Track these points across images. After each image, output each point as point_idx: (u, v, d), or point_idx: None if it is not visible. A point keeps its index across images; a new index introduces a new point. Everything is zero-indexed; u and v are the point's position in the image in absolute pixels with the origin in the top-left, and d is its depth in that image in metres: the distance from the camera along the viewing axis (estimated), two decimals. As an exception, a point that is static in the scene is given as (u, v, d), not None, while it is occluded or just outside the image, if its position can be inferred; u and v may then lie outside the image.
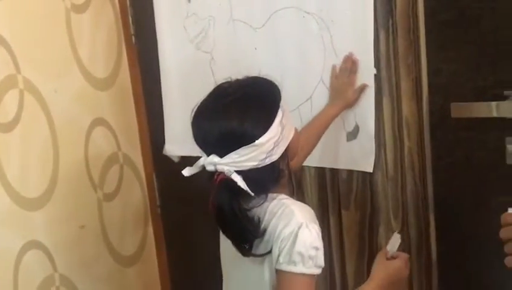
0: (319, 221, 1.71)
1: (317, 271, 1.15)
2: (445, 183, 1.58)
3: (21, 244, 1.65)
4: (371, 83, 1.60)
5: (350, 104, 1.61)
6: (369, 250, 1.71)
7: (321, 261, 1.15)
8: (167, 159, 2.07)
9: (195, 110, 1.20)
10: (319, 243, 1.15)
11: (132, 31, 2.02)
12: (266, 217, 1.17)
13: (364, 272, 1.74)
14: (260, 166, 1.15)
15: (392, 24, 1.54)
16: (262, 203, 1.17)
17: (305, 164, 1.76)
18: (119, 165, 2.05)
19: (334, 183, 1.73)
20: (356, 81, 1.61)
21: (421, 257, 1.64)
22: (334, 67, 1.63)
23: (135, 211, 2.13)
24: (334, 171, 1.73)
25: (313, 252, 1.13)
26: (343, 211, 1.73)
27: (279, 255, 1.14)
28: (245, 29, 1.78)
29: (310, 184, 1.78)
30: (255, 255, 1.17)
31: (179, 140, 1.98)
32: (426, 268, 1.65)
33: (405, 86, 1.56)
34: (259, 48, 1.77)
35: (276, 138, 1.16)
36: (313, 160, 1.75)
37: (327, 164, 1.73)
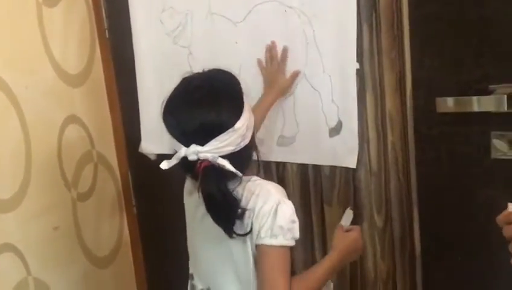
0: (301, 217, 1.74)
1: (293, 243, 1.24)
2: (429, 178, 1.57)
3: (-7, 248, 1.59)
4: (353, 78, 1.59)
5: (284, 92, 1.68)
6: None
7: (297, 233, 1.24)
8: (142, 157, 2.03)
9: (165, 103, 1.24)
10: (295, 217, 1.25)
11: (106, 25, 1.96)
12: (244, 197, 1.24)
13: (347, 269, 1.73)
14: (237, 150, 1.22)
15: (376, 18, 1.53)
16: (238, 185, 1.23)
17: (287, 160, 1.75)
18: (94, 164, 1.99)
19: (316, 180, 1.72)
20: (285, 69, 1.66)
21: (404, 251, 1.64)
22: (259, 60, 1.70)
23: (110, 210, 2.07)
24: (317, 168, 1.71)
25: (291, 225, 1.23)
26: (326, 207, 1.72)
27: (259, 231, 1.22)
28: (225, 23, 1.75)
29: (293, 180, 1.76)
30: (239, 235, 1.23)
31: (155, 137, 1.94)
32: (410, 263, 1.65)
33: (388, 80, 1.56)
34: (240, 42, 1.74)
35: (248, 121, 1.23)
36: (296, 156, 1.73)
37: (310, 160, 1.72)
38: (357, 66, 1.58)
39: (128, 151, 2.08)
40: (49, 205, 1.79)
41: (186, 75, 1.28)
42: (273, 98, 1.67)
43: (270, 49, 1.67)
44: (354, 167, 1.64)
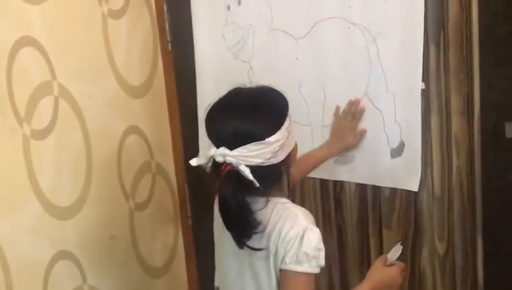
0: (358, 240, 1.70)
1: (318, 270, 1.24)
2: (495, 205, 1.51)
3: (52, 254, 1.61)
4: (418, 98, 1.54)
5: (349, 148, 1.68)
6: (411, 272, 1.64)
7: (322, 261, 1.24)
8: (200, 169, 2.02)
9: (210, 107, 1.30)
10: (322, 245, 1.24)
11: (168, 38, 1.98)
12: (271, 220, 1.25)
13: (405, 295, 1.68)
14: (265, 164, 1.23)
15: (444, 38, 1.49)
16: (265, 206, 1.24)
17: (346, 179, 1.72)
18: (152, 174, 2.01)
19: (375, 201, 1.68)
20: (358, 126, 1.65)
21: (466, 281, 1.58)
22: (337, 108, 1.68)
23: (166, 221, 2.09)
24: (376, 189, 1.68)
25: (317, 253, 1.22)
26: (384, 231, 1.68)
27: (284, 256, 1.23)
28: (286, 39, 1.73)
29: (350, 201, 1.72)
30: (250, 248, 1.23)
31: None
32: (472, 293, 1.58)
33: (455, 102, 1.51)
34: (301, 58, 1.72)
35: (283, 141, 1.24)
36: (354, 176, 1.70)
37: (369, 181, 1.68)
38: (423, 86, 1.54)
39: (186, 163, 2.09)
40: (107, 213, 1.82)
41: (239, 85, 1.33)
42: (336, 152, 1.67)
43: (352, 104, 1.65)
44: (416, 190, 1.59)
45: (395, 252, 1.43)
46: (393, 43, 1.55)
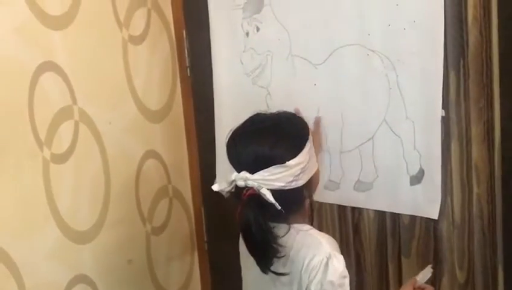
0: (376, 267, 1.68)
1: None
2: (516, 235, 1.49)
3: (69, 278, 1.62)
4: (438, 125, 1.53)
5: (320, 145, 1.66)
6: (430, 302, 1.62)
7: (348, 288, 1.23)
8: (216, 194, 2.02)
9: (231, 132, 1.32)
10: (346, 272, 1.24)
11: (187, 63, 2.00)
12: (294, 247, 1.25)
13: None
14: (286, 188, 1.23)
15: (464, 66, 1.48)
16: (288, 233, 1.24)
17: (364, 206, 1.70)
18: (169, 199, 2.01)
19: (394, 228, 1.66)
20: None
21: (487, 311, 1.55)
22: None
23: (182, 246, 2.08)
24: (395, 216, 1.65)
25: (342, 281, 1.22)
26: (403, 259, 1.65)
27: (309, 284, 1.22)
28: (304, 65, 1.73)
29: (369, 228, 1.71)
30: (273, 273, 1.23)
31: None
32: (493, 324, 1.55)
33: (476, 130, 1.49)
34: (319, 85, 1.72)
35: (304, 164, 1.25)
36: (373, 203, 1.68)
37: (388, 208, 1.66)
38: (443, 113, 1.52)
39: (203, 188, 2.09)
40: (124, 238, 1.82)
41: (260, 111, 1.36)
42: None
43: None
44: (436, 217, 1.57)
45: (425, 274, 1.44)
46: (413, 70, 1.55)
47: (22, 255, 1.46)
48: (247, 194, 1.21)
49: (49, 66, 1.55)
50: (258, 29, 1.81)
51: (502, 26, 1.43)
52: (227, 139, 1.31)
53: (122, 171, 1.81)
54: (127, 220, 1.84)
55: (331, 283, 1.20)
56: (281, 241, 1.23)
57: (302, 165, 1.24)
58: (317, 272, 1.21)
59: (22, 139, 1.48)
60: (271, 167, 1.21)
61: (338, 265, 1.22)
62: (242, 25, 1.83)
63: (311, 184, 1.30)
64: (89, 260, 1.69)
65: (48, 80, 1.55)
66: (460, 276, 1.57)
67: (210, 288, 2.16)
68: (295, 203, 1.28)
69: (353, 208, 1.74)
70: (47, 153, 1.54)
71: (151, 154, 1.92)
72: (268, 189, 1.21)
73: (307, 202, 1.31)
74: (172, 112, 2.00)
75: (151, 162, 1.93)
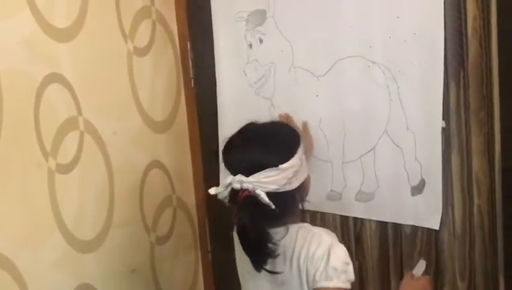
0: (378, 277, 1.69)
1: (349, 286, 1.27)
2: (517, 245, 1.49)
3: (73, 287, 1.63)
4: (438, 136, 1.55)
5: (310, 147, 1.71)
6: (432, 312, 1.62)
7: (352, 275, 1.28)
8: (220, 203, 2.02)
9: (227, 139, 1.39)
10: (349, 259, 1.29)
11: (192, 75, 2.01)
12: (298, 244, 1.31)
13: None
14: (280, 191, 1.28)
15: (464, 77, 1.49)
16: (287, 233, 1.31)
17: (366, 217, 1.71)
18: (173, 209, 2.02)
19: (396, 239, 1.67)
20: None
21: (488, 323, 1.55)
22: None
23: (186, 255, 2.09)
24: (397, 226, 1.66)
25: (345, 267, 1.27)
26: (405, 269, 1.65)
27: (315, 275, 1.27)
28: (307, 77, 1.75)
29: (371, 238, 1.72)
30: (268, 271, 1.28)
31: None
32: (494, 336, 1.55)
33: (476, 141, 1.50)
34: (321, 96, 1.74)
35: (296, 168, 1.30)
36: (375, 213, 1.69)
37: (389, 219, 1.67)
38: (443, 124, 1.54)
39: (206, 198, 2.10)
40: (128, 247, 1.83)
41: (253, 120, 1.42)
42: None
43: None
44: (437, 228, 1.58)
45: (420, 267, 1.49)
46: (414, 81, 1.56)
47: (27, 264, 1.48)
48: (242, 195, 1.26)
49: (55, 77, 1.57)
50: (261, 41, 1.83)
51: (502, 38, 1.44)
52: (224, 146, 1.38)
53: (127, 181, 1.82)
54: (131, 230, 1.85)
55: (334, 269, 1.25)
56: (278, 241, 1.28)
57: (294, 169, 1.29)
58: (321, 262, 1.26)
59: (28, 149, 1.50)
60: (265, 170, 1.27)
61: (340, 252, 1.27)
62: (245, 37, 1.85)
63: (303, 188, 1.35)
64: (93, 269, 1.70)
65: (54, 91, 1.57)
66: (462, 286, 1.58)
67: (214, 298, 2.17)
68: (288, 205, 1.32)
69: (355, 219, 1.75)
70: (52, 163, 1.56)
71: (155, 164, 1.94)
72: (263, 191, 1.26)
73: (300, 206, 1.38)
74: (176, 123, 2.02)
75: (155, 172, 1.94)
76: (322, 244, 1.28)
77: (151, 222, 1.92)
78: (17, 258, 1.45)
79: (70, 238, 1.61)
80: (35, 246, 1.52)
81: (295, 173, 1.30)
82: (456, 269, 1.57)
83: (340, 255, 1.27)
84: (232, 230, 1.98)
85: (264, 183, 1.26)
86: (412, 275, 1.47)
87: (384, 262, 1.70)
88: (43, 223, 1.55)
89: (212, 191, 1.34)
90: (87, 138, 1.68)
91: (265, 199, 1.25)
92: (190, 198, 2.10)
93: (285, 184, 1.28)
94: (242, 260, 1.38)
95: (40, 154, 1.52)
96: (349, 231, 1.75)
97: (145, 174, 1.90)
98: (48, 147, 1.54)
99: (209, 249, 2.14)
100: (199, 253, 2.14)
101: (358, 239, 1.73)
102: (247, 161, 1.30)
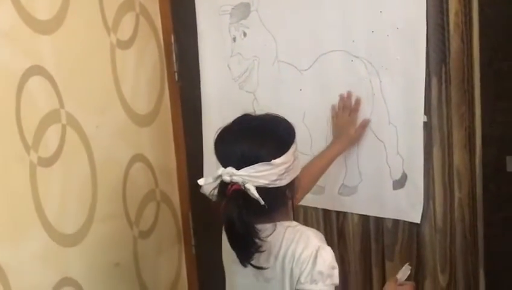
0: (360, 271, 1.70)
1: (333, 289, 1.26)
2: (497, 239, 1.51)
3: (55, 281, 1.62)
4: (420, 130, 1.56)
5: (353, 142, 1.67)
6: (413, 305, 1.64)
7: (337, 279, 1.27)
8: (204, 198, 2.02)
9: (220, 130, 1.34)
10: (335, 263, 1.27)
11: (175, 68, 2.01)
12: (284, 243, 1.28)
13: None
14: (270, 186, 1.25)
15: (446, 72, 1.51)
16: (274, 230, 1.28)
17: (348, 210, 1.72)
18: (156, 203, 2.02)
19: (378, 233, 1.68)
20: (357, 120, 1.64)
21: (469, 315, 1.57)
22: (333, 106, 1.69)
23: (169, 249, 2.09)
24: (379, 220, 1.68)
25: (331, 271, 1.25)
26: (387, 262, 1.67)
27: (300, 276, 1.25)
28: (290, 71, 1.76)
29: (353, 232, 1.73)
30: (254, 267, 1.27)
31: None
32: (474, 328, 1.57)
33: (457, 135, 1.52)
34: (305, 90, 1.74)
35: (288, 164, 1.27)
36: (357, 207, 1.71)
37: (371, 212, 1.69)
38: (425, 118, 1.55)
39: (190, 192, 2.10)
40: (111, 241, 1.83)
41: (248, 112, 1.38)
42: (341, 149, 1.66)
43: (344, 98, 1.67)
44: (418, 221, 1.60)
45: (404, 272, 1.48)
46: (396, 76, 1.57)
47: (9, 258, 1.46)
48: (232, 189, 1.24)
49: (36, 70, 1.56)
50: (245, 34, 1.83)
51: (483, 33, 1.46)
52: (215, 136, 1.34)
53: (110, 175, 1.82)
54: (114, 224, 1.84)
55: (320, 273, 1.23)
56: (265, 238, 1.26)
57: (286, 165, 1.27)
58: (307, 264, 1.24)
59: (9, 142, 1.48)
60: (257, 164, 1.24)
61: (327, 256, 1.25)
62: (229, 30, 1.85)
63: (293, 186, 1.33)
64: (76, 263, 1.69)
65: (35, 84, 1.55)
66: (443, 279, 1.59)
67: (197, 292, 2.17)
68: (278, 202, 1.30)
69: (338, 212, 1.76)
70: (34, 157, 1.55)
71: (138, 158, 1.93)
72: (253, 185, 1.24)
73: (290, 203, 1.34)
74: (160, 116, 2.02)
75: (138, 166, 1.94)
76: (308, 246, 1.26)
77: (135, 216, 1.92)
78: (-1, 251, 1.44)
79: (52, 232, 1.60)
80: (16, 239, 1.50)
81: (287, 170, 1.27)
82: (437, 262, 1.59)
83: (327, 259, 1.25)
84: (216, 224, 2.00)
85: (254, 177, 1.24)
86: (396, 280, 1.47)
87: (366, 256, 1.71)
88: (24, 216, 1.53)
89: (201, 181, 1.30)
90: (70, 131, 1.66)
91: (255, 194, 1.22)
92: (174, 192, 2.10)
93: (276, 180, 1.26)
94: (228, 252, 1.38)
95: (21, 148, 1.51)
96: (332, 224, 1.76)
97: (128, 168, 1.89)
98: (30, 140, 1.53)
99: (192, 243, 2.14)
100: (183, 247, 2.14)
101: (341, 233, 1.74)
102: (239, 153, 1.26)
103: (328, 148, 1.67)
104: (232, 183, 1.24)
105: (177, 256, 2.12)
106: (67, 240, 1.66)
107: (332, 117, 1.70)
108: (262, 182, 1.24)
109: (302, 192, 1.41)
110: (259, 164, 1.24)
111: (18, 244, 1.51)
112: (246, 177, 1.23)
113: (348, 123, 1.65)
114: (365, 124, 1.65)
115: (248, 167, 1.24)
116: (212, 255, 2.10)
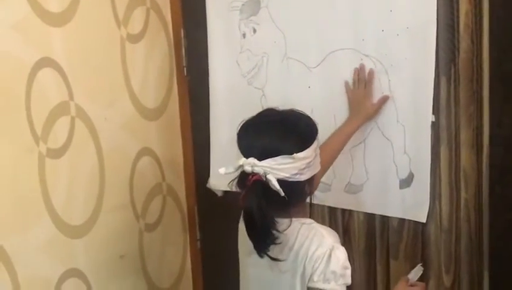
0: (365, 269, 1.70)
1: (345, 289, 1.28)
2: (502, 240, 1.51)
3: (61, 272, 1.64)
4: (428, 130, 1.56)
5: (370, 117, 1.64)
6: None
7: (349, 279, 1.28)
8: (210, 192, 2.05)
9: (244, 122, 1.35)
10: (348, 263, 1.28)
11: (184, 63, 2.01)
12: (298, 240, 1.30)
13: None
14: (290, 180, 1.27)
15: (455, 72, 1.50)
16: (290, 226, 1.28)
17: (354, 208, 1.72)
18: (162, 196, 2.03)
19: (383, 231, 1.68)
20: (373, 92, 1.62)
21: (472, 315, 1.57)
22: (346, 82, 1.67)
23: (174, 243, 2.10)
24: (385, 219, 1.68)
25: (343, 271, 1.27)
26: (391, 261, 1.67)
27: (312, 274, 1.27)
28: (299, 68, 1.76)
29: (358, 230, 1.73)
30: (270, 258, 1.27)
31: (224, 175, 1.96)
32: (477, 328, 1.58)
33: (465, 136, 1.52)
34: (313, 87, 1.74)
35: (310, 160, 1.29)
36: (363, 205, 1.71)
37: (377, 211, 1.69)
38: (433, 118, 1.55)
39: (196, 186, 2.11)
40: (117, 233, 1.84)
41: (273, 107, 1.40)
42: (359, 123, 1.64)
43: (358, 71, 1.65)
44: (424, 221, 1.60)
45: (416, 273, 1.49)
46: (405, 75, 1.57)
47: (16, 247, 1.48)
48: (252, 179, 1.25)
49: (47, 62, 1.57)
50: (254, 30, 1.83)
51: (493, 34, 1.46)
52: (239, 127, 1.35)
53: (117, 167, 1.83)
54: (121, 216, 1.86)
55: (333, 272, 1.25)
56: (284, 235, 1.27)
57: (307, 160, 1.28)
58: (320, 262, 1.25)
59: (19, 133, 1.50)
60: (278, 157, 1.25)
61: (340, 256, 1.26)
62: (239, 26, 1.85)
63: (312, 182, 1.34)
64: (82, 254, 1.70)
65: (46, 75, 1.56)
66: (447, 280, 1.59)
67: (202, 285, 2.18)
68: (296, 196, 1.31)
69: (343, 210, 1.76)
70: (43, 148, 1.56)
71: (146, 151, 1.94)
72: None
73: (307, 199, 1.36)
74: (168, 111, 2.02)
75: (146, 159, 1.95)
76: (322, 244, 1.27)
77: (141, 209, 1.93)
78: (6, 242, 1.46)
79: (59, 223, 1.62)
80: (24, 230, 1.52)
81: (308, 165, 1.28)
82: (441, 262, 1.59)
83: (341, 258, 1.26)
84: (222, 218, 2.01)
85: (275, 169, 1.25)
86: (407, 280, 1.47)
87: (371, 254, 1.72)
88: (32, 207, 1.55)
89: (222, 171, 1.31)
90: (79, 123, 1.68)
91: (276, 185, 1.24)
92: (180, 186, 2.11)
93: (296, 174, 1.27)
94: (244, 244, 1.38)
95: (31, 139, 1.52)
96: (338, 222, 1.76)
97: (135, 161, 1.90)
98: (39, 132, 1.54)
99: (198, 237, 2.15)
100: (188, 240, 2.15)
101: (346, 230, 1.74)
102: (261, 145, 1.28)
103: (345, 123, 1.66)
104: (253, 173, 1.25)
105: (182, 249, 2.13)
106: (74, 232, 1.68)
107: (347, 92, 1.67)
108: (283, 175, 1.26)
109: (322, 169, 1.42)
110: (281, 156, 1.25)
111: (25, 234, 1.52)
112: (268, 169, 1.25)
113: (364, 97, 1.63)
114: (383, 100, 1.61)
115: (270, 159, 1.25)
116: (217, 249, 2.12)
